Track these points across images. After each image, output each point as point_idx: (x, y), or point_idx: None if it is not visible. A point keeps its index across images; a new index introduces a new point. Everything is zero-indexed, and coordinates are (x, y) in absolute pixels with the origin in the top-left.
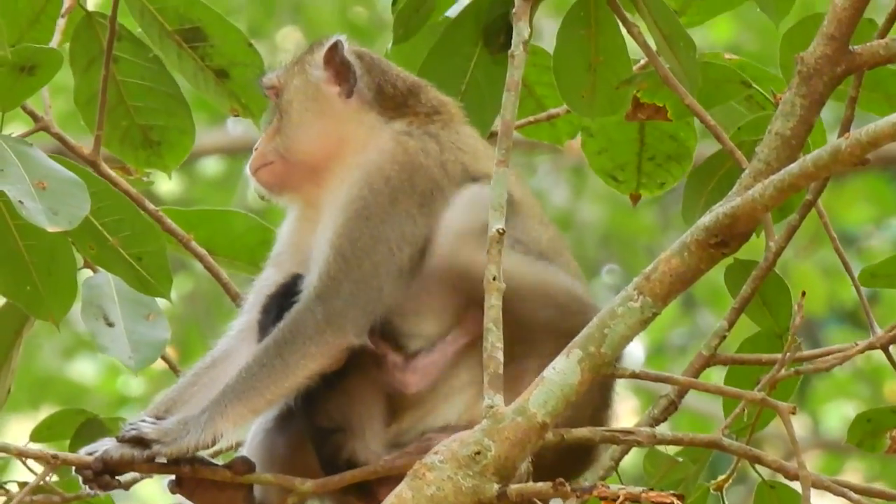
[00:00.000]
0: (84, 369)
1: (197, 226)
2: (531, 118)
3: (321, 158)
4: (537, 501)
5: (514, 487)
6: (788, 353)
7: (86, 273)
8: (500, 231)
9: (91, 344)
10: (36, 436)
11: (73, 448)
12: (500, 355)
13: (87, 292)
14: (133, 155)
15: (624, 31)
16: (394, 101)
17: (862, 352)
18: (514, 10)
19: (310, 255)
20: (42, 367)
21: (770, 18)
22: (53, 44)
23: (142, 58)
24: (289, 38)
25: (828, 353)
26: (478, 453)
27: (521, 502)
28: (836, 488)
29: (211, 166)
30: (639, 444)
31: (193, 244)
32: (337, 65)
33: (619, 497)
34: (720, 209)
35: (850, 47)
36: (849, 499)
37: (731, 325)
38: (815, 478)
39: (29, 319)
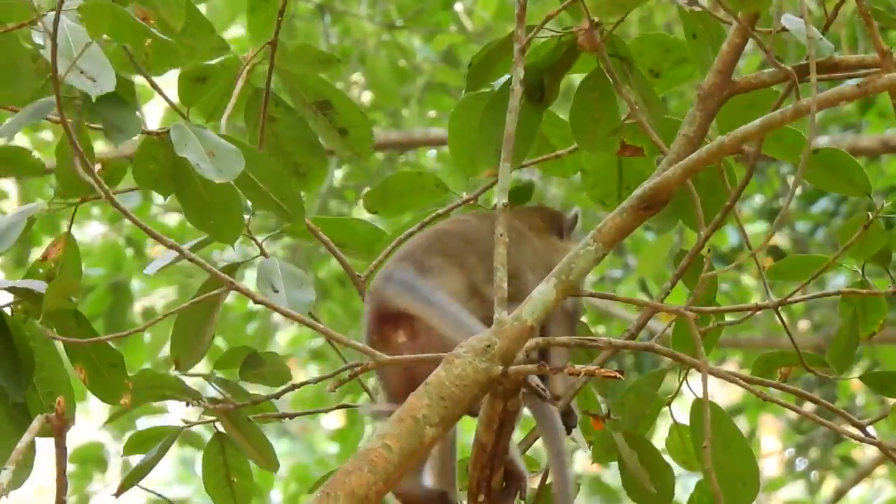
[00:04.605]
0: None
1: (333, 229)
2: (547, 156)
3: None
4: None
5: (512, 368)
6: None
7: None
8: (505, 204)
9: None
10: (217, 365)
11: (243, 373)
12: (505, 286)
13: (261, 270)
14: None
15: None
16: None
17: (759, 310)
18: (513, 61)
19: None
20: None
21: None
22: (228, 110)
23: (292, 118)
24: (357, 81)
25: (740, 309)
26: (488, 346)
27: (516, 378)
28: (724, 374)
29: None
30: (599, 348)
31: (322, 234)
32: None
33: (580, 373)
34: (646, 184)
35: (732, 78)
36: (731, 381)
37: (673, 285)
38: (711, 368)
39: (222, 295)
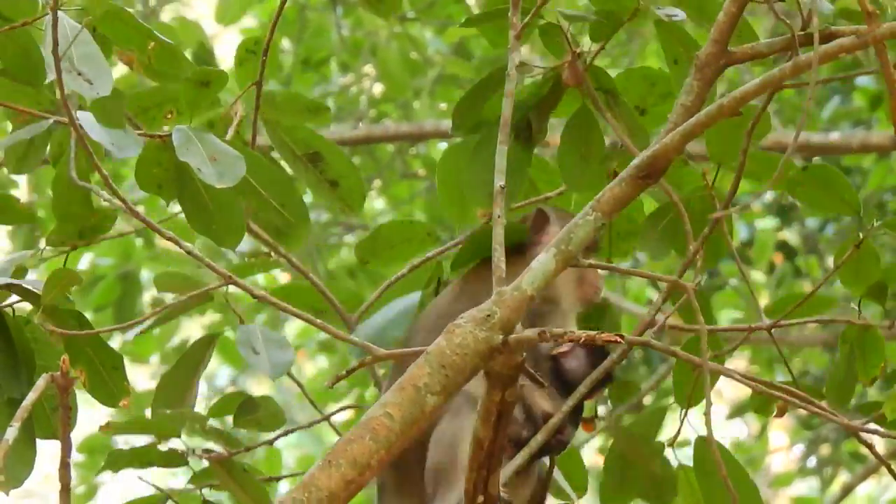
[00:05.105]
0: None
1: (313, 295)
2: (533, 199)
3: None
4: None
5: (512, 337)
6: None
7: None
8: (502, 186)
9: None
10: (212, 412)
11: (237, 420)
12: (503, 265)
13: (241, 335)
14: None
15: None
16: None
17: (753, 330)
18: (509, 47)
19: None
20: None
21: None
22: None
23: (276, 171)
24: (369, 73)
25: (735, 329)
26: (489, 316)
27: (516, 347)
28: (726, 371)
29: None
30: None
31: (311, 276)
32: None
33: (581, 338)
34: (645, 153)
35: (729, 48)
36: (732, 378)
37: (664, 301)
38: (711, 366)
39: (209, 351)
